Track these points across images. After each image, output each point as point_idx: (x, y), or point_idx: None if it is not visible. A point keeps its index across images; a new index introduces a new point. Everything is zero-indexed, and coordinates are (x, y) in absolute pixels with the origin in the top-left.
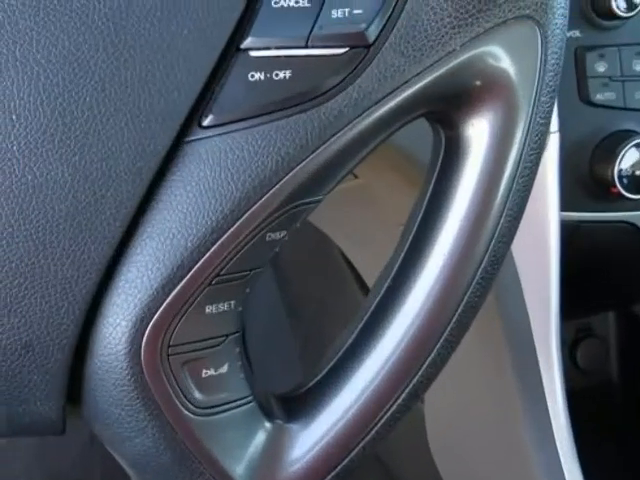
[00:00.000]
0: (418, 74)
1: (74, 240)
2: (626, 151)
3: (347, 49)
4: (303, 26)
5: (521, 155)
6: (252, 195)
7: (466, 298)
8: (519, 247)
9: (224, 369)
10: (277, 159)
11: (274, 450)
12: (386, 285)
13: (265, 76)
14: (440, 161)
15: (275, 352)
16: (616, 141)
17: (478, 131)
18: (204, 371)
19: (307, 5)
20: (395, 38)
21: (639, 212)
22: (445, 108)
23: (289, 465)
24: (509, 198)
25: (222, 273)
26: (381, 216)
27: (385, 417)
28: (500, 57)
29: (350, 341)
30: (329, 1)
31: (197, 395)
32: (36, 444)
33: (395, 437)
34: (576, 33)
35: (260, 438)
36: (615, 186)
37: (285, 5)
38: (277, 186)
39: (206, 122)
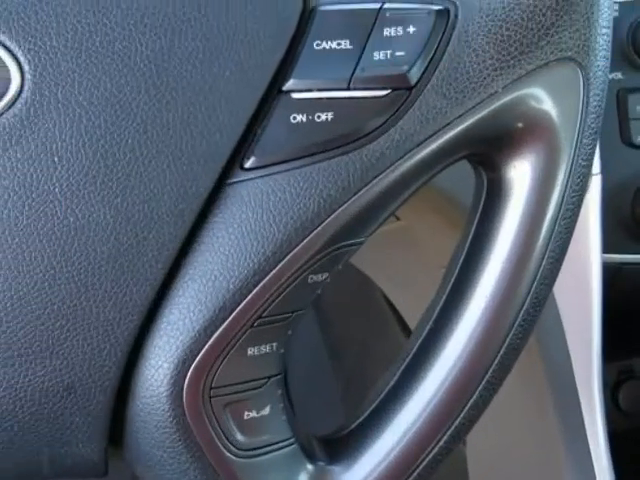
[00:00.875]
0: (460, 116)
1: (116, 282)
2: None
3: (389, 91)
4: (345, 68)
5: (563, 197)
6: (294, 237)
7: (508, 340)
8: (561, 289)
9: (266, 411)
10: (319, 201)
11: None
12: (428, 327)
13: (307, 118)
14: (482, 203)
15: (317, 394)
16: None
17: (520, 173)
18: (246, 413)
19: (349, 47)
20: (437, 80)
21: None
22: (487, 150)
23: None
24: (551, 240)
25: (264, 315)
26: (423, 258)
27: (427, 459)
28: (542, 99)
29: (392, 383)
30: (371, 43)
31: (239, 437)
32: None
33: (437, 479)
34: (618, 75)
35: None
36: None
37: (327, 47)
38: (319, 228)
39: (248, 164)
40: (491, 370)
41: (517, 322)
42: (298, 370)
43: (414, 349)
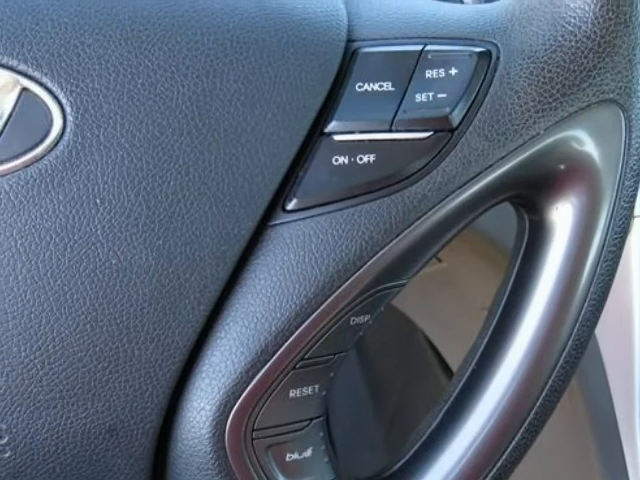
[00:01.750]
0: (502, 158)
1: (158, 324)
2: None
3: (431, 133)
4: (387, 110)
5: (605, 239)
6: (336, 279)
7: (550, 382)
8: (603, 331)
9: (308, 453)
10: (361, 243)
11: None
12: (470, 369)
13: (349, 160)
14: (524, 245)
15: (359, 435)
16: None
17: (562, 215)
18: (288, 455)
19: (391, 89)
20: (479, 122)
21: None
22: (529, 192)
23: None
24: (593, 282)
25: (306, 357)
26: (464, 300)
27: None
28: (584, 141)
29: (434, 425)
30: (413, 85)
31: (281, 479)
32: None
33: None
34: None
35: None
36: None
37: (369, 89)
38: (361, 270)
39: (290, 206)
40: (533, 413)
41: (559, 364)
42: (340, 412)
43: (456, 391)
